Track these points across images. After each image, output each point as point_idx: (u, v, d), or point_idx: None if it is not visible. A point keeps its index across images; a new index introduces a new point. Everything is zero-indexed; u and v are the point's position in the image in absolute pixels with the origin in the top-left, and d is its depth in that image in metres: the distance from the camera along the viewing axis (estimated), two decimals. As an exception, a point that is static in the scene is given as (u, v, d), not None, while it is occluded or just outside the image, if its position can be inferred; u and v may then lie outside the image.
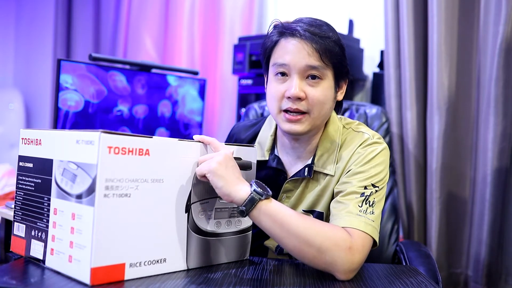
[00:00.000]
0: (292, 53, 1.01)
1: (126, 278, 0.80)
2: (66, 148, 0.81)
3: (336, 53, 1.02)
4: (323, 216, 1.08)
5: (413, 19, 1.77)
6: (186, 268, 0.90)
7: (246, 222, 1.02)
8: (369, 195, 0.99)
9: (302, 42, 1.00)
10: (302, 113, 1.02)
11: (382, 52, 2.09)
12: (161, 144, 0.85)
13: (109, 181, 0.77)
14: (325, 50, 1.00)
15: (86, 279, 0.76)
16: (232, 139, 1.27)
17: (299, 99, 1.00)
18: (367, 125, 1.19)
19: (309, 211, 1.10)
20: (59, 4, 3.40)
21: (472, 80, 1.73)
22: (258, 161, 1.09)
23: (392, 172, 1.60)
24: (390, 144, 1.68)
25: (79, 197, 0.78)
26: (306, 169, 1.08)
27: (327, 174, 1.08)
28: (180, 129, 2.10)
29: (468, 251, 1.73)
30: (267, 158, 1.14)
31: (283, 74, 1.03)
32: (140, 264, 0.82)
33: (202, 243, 0.93)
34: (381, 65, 2.10)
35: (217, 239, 0.96)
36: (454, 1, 1.71)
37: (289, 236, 0.89)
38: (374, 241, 0.97)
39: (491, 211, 1.61)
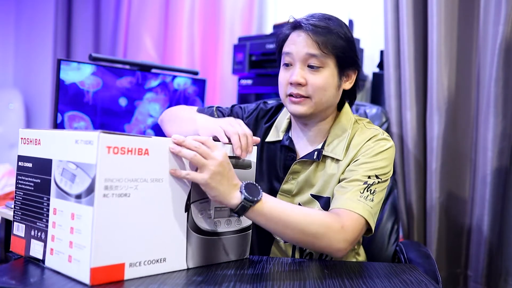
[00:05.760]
0: (296, 43, 1.10)
1: (126, 278, 0.80)
2: (65, 148, 0.81)
3: (339, 44, 1.09)
4: (330, 201, 1.12)
5: (413, 19, 1.77)
6: (186, 268, 0.90)
7: (246, 221, 1.02)
8: (371, 184, 1.05)
9: (305, 33, 1.09)
10: (304, 97, 1.10)
11: (382, 52, 2.09)
12: (160, 144, 0.85)
13: (108, 181, 0.77)
14: (325, 41, 1.08)
15: (86, 279, 0.76)
16: (255, 111, 1.30)
17: (299, 84, 1.09)
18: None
19: (317, 197, 1.14)
20: (59, 4, 3.40)
21: (472, 80, 1.73)
22: (272, 142, 1.22)
23: (392, 172, 1.60)
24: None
25: (78, 197, 0.78)
26: (316, 152, 1.14)
27: (335, 159, 1.13)
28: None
29: (468, 251, 1.73)
30: (281, 138, 1.21)
31: (288, 64, 1.12)
32: (139, 263, 0.82)
33: (201, 242, 0.93)
34: (381, 65, 2.10)
35: (217, 238, 0.96)
36: (454, 1, 1.71)
37: (285, 229, 0.95)
38: (370, 228, 1.04)
39: (490, 211, 1.61)
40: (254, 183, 0.95)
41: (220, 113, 1.30)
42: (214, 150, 0.90)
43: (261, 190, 0.94)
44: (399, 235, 1.63)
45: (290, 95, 1.11)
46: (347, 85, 1.16)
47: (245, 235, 1.02)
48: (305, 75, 1.09)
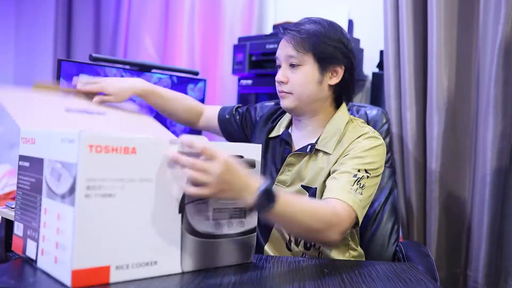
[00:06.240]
0: (280, 48, 1.23)
1: (112, 281, 0.78)
2: (54, 147, 0.80)
3: (314, 42, 1.18)
4: (317, 192, 1.18)
5: (412, 19, 1.77)
6: (180, 271, 0.87)
7: (249, 223, 0.98)
8: (361, 178, 1.11)
9: (285, 38, 1.22)
10: (287, 93, 1.21)
11: (381, 52, 2.09)
12: (148, 143, 0.82)
13: (91, 180, 0.75)
14: (301, 41, 1.18)
15: (67, 281, 0.74)
16: (260, 113, 1.43)
17: (282, 82, 1.21)
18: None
19: (307, 187, 1.21)
20: (59, 4, 3.40)
21: (472, 80, 1.72)
22: (274, 137, 1.32)
23: (392, 172, 1.60)
24: (390, 145, 1.67)
25: (63, 197, 0.76)
26: (309, 146, 1.22)
27: (326, 153, 1.19)
28: (180, 129, 2.10)
29: (468, 251, 1.73)
30: (280, 133, 1.31)
31: (279, 66, 1.24)
32: (127, 266, 0.80)
33: (198, 245, 0.90)
34: (380, 65, 2.09)
35: (216, 241, 0.93)
36: (454, 1, 1.71)
37: (291, 228, 1.05)
38: (357, 220, 1.09)
39: (490, 211, 1.60)
40: (272, 188, 0.91)
41: (238, 113, 1.44)
42: (213, 160, 0.83)
43: (276, 195, 0.91)
44: (399, 235, 1.62)
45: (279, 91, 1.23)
46: (334, 80, 1.22)
47: (248, 238, 0.98)
48: (287, 73, 1.21)
